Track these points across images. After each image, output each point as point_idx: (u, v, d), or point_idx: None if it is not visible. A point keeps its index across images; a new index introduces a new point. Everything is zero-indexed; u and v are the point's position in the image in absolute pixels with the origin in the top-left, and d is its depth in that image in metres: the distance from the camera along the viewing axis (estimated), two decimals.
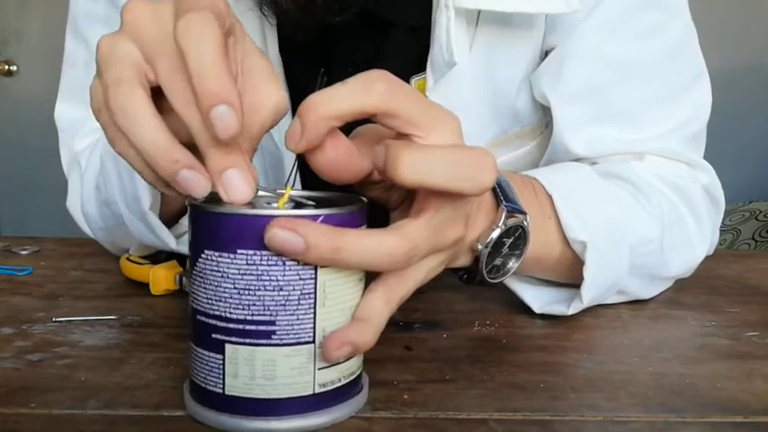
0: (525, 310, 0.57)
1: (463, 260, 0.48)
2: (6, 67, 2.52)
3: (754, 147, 2.40)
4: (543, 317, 0.56)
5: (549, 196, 0.55)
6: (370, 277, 0.39)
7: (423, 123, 0.37)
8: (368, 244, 0.36)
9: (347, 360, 0.38)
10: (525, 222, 0.49)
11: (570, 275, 0.57)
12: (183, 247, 0.60)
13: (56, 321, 0.54)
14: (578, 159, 0.64)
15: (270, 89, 0.37)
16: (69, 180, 0.71)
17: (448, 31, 0.60)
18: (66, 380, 0.44)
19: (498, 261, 0.49)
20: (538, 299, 0.57)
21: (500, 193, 0.49)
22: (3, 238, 0.85)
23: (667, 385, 0.44)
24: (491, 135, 0.69)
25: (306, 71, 0.66)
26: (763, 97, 2.42)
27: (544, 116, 0.70)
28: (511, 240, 0.49)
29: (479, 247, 0.47)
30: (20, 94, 2.53)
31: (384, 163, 0.36)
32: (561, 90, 0.64)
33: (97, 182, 0.64)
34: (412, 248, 0.37)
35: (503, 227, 0.47)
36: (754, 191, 2.18)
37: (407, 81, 0.65)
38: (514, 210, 0.48)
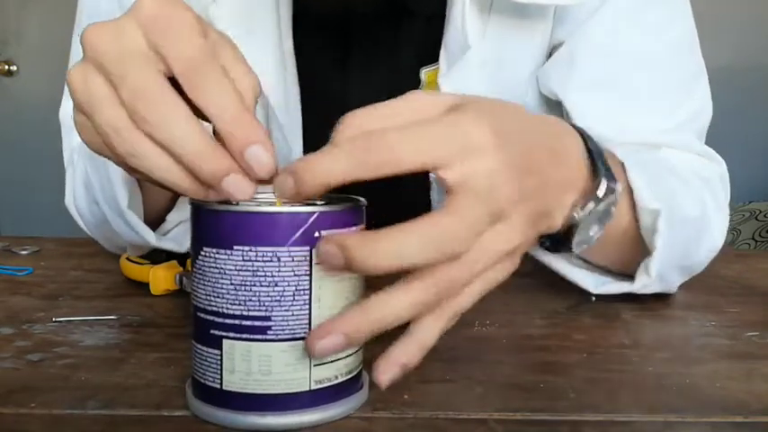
0: (525, 310, 0.57)
1: (556, 224, 0.46)
2: (6, 67, 2.53)
3: (754, 147, 2.40)
4: (543, 317, 0.56)
5: (621, 164, 0.53)
6: (369, 277, 0.38)
7: (441, 163, 0.36)
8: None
9: (345, 357, 0.38)
10: (618, 189, 0.48)
11: (630, 252, 0.56)
12: (165, 244, 0.60)
13: (56, 321, 0.54)
14: None
15: (240, 71, 0.39)
16: (66, 176, 0.72)
17: (463, 15, 0.62)
18: (67, 380, 0.44)
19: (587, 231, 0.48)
20: (591, 278, 0.57)
21: (599, 163, 0.47)
22: (3, 238, 0.85)
23: (667, 385, 0.44)
24: None
25: (323, 59, 0.67)
26: (762, 97, 2.42)
27: (550, 113, 0.70)
28: (603, 208, 0.47)
29: (577, 214, 0.46)
30: (20, 94, 2.53)
31: (350, 263, 0.34)
32: (571, 84, 0.65)
33: (85, 179, 0.65)
34: (474, 221, 0.35)
35: (601, 196, 0.46)
36: (754, 191, 2.18)
37: (418, 71, 0.67)
38: (611, 178, 0.47)
